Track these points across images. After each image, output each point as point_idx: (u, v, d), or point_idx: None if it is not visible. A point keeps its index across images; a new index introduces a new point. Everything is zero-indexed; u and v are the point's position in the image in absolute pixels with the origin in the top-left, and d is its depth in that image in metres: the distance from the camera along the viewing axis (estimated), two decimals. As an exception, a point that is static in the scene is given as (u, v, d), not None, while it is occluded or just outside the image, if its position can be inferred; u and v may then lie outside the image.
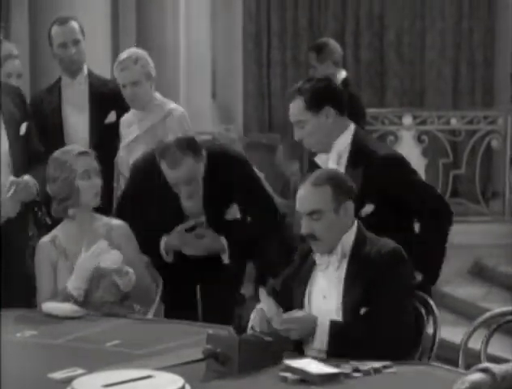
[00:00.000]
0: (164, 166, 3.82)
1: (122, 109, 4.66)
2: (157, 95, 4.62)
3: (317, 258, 3.16)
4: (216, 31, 8.88)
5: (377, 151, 3.59)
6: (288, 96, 3.68)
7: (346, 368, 2.77)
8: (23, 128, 4.16)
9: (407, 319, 3.02)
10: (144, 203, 4.01)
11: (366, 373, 2.77)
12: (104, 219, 3.79)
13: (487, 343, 3.19)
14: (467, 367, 3.07)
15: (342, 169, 3.53)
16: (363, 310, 3.01)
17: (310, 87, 3.61)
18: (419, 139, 8.10)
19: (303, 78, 10.19)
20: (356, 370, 2.77)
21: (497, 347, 3.37)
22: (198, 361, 2.83)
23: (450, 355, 3.22)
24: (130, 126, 4.63)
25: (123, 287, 3.58)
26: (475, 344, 3.21)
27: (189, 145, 3.84)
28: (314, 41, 7.42)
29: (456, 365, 3.11)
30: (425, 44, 9.60)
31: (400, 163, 3.63)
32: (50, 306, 3.52)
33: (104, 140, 4.66)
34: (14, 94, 4.21)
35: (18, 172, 4.08)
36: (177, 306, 3.94)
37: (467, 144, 8.24)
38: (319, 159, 3.68)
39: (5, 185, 4.00)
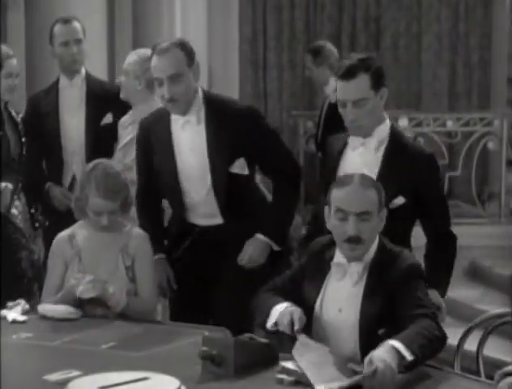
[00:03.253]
0: (154, 60, 3.68)
1: (119, 110, 4.67)
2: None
3: (335, 266, 3.06)
4: (212, 33, 8.87)
5: (418, 148, 3.57)
6: (346, 72, 3.40)
7: (342, 370, 2.77)
8: None
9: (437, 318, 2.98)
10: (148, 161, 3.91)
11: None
12: (127, 226, 3.69)
13: (482, 345, 3.19)
14: (463, 369, 3.08)
15: (379, 157, 3.47)
16: (381, 332, 2.91)
17: (373, 63, 3.45)
18: (415, 141, 8.09)
19: (299, 80, 10.17)
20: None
21: (492, 349, 3.38)
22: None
23: (445, 356, 3.21)
24: (127, 128, 4.66)
25: (114, 308, 3.54)
26: (471, 345, 3.22)
27: (183, 44, 3.72)
28: (310, 44, 7.43)
29: (452, 366, 3.11)
30: (421, 47, 9.60)
31: (438, 167, 3.59)
32: (46, 308, 3.52)
33: (100, 141, 4.67)
34: None
35: None
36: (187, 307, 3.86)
37: (463, 146, 8.25)
38: (352, 141, 3.52)
39: None
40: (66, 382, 2.66)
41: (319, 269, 3.11)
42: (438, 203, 3.55)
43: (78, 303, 3.54)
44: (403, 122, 8.12)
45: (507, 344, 4.71)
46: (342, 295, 3.03)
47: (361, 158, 3.49)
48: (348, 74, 3.38)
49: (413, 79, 9.62)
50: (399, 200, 3.43)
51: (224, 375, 2.75)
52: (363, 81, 3.38)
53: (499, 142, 8.07)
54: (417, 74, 9.61)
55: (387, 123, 3.52)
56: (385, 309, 2.93)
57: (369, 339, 2.92)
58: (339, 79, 3.41)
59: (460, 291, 6.18)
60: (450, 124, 8.21)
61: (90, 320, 3.47)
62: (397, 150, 3.47)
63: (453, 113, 8.68)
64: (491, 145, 8.16)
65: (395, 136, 3.52)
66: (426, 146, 8.14)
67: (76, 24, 4.85)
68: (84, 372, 2.76)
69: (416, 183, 3.44)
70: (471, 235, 7.36)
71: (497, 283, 6.43)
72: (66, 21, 4.85)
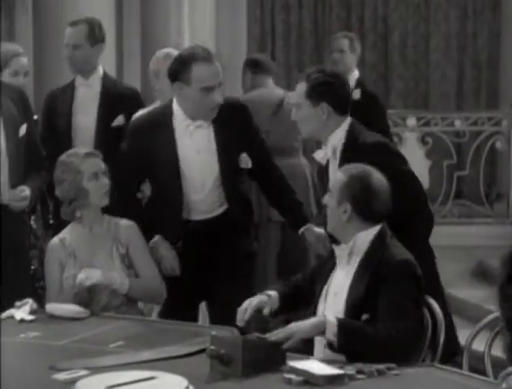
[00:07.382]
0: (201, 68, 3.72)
1: (131, 112, 4.66)
2: None
3: (336, 249, 3.22)
4: (221, 33, 8.88)
5: (365, 140, 3.62)
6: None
7: (350, 369, 2.77)
8: (23, 129, 4.13)
9: (407, 325, 2.98)
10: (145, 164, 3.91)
11: (370, 374, 2.76)
12: (113, 219, 3.80)
13: (490, 345, 3.19)
14: (471, 369, 3.08)
15: (336, 163, 3.60)
16: (364, 317, 3.00)
17: (316, 77, 3.65)
18: (423, 141, 8.10)
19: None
20: (360, 372, 2.77)
21: (500, 349, 3.37)
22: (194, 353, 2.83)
23: (453, 357, 3.22)
24: None
25: (121, 290, 3.64)
26: (479, 345, 3.21)
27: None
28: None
29: (460, 367, 3.11)
30: (429, 47, 9.60)
31: (386, 149, 3.64)
32: (54, 307, 3.53)
33: (111, 142, 4.66)
34: (15, 94, 4.17)
35: (13, 174, 4.04)
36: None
37: (472, 146, 8.24)
38: (317, 155, 3.75)
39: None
40: (74, 381, 2.67)
41: (330, 263, 3.26)
42: (394, 179, 3.27)
43: (87, 299, 3.58)
44: (411, 122, 8.11)
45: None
46: (339, 280, 3.17)
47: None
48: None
49: (421, 78, 9.62)
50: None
51: (231, 374, 2.75)
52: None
53: (507, 141, 8.06)
54: (425, 74, 9.60)
55: (344, 126, 3.68)
56: (369, 297, 3.02)
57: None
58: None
59: (468, 291, 6.18)
60: (458, 123, 8.20)
61: (98, 319, 3.48)
62: (348, 154, 3.59)
63: (461, 113, 8.66)
64: (499, 145, 8.15)
65: (349, 139, 3.64)
66: (435, 145, 8.17)
67: (81, 28, 4.77)
68: (92, 371, 2.77)
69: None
70: (479, 235, 7.37)
71: (506, 283, 6.41)
72: (74, 24, 4.81)
